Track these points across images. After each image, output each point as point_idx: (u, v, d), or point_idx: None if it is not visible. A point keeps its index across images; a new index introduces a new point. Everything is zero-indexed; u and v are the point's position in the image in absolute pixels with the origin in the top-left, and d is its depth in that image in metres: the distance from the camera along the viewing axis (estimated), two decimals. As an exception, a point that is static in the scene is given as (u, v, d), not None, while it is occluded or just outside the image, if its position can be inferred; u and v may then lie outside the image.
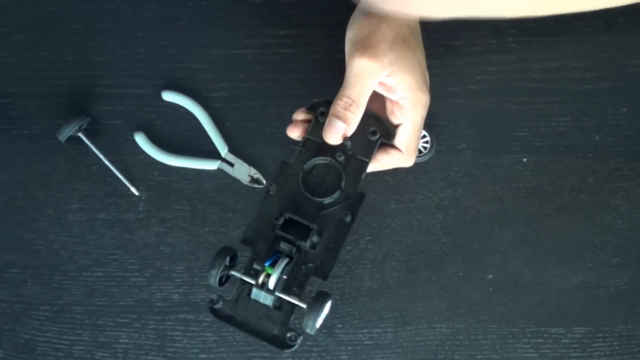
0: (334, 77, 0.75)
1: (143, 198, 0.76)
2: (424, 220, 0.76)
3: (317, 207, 0.68)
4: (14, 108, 0.78)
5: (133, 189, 0.76)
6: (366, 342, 0.74)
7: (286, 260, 0.65)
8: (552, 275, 0.75)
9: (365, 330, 0.74)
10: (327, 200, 0.68)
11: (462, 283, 0.75)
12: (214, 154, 0.77)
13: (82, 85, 0.78)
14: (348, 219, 0.68)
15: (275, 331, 0.65)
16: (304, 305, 0.64)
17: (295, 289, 0.66)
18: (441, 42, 0.78)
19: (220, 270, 0.65)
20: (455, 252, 0.75)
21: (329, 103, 0.69)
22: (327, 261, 0.67)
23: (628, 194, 0.76)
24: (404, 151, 0.70)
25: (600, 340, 0.74)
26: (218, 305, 0.66)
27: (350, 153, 0.69)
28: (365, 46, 0.67)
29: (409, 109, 0.69)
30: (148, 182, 0.77)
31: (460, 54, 0.78)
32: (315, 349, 0.74)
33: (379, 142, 0.70)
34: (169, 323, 0.74)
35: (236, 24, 0.79)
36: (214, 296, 0.66)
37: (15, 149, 0.77)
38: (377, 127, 0.69)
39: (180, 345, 0.74)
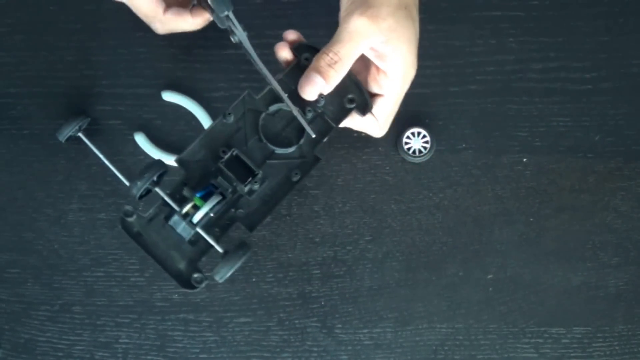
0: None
1: (143, 198, 0.76)
2: (424, 220, 0.76)
3: (266, 154, 0.64)
4: (14, 108, 0.77)
5: (133, 189, 0.76)
6: (366, 342, 0.74)
7: (219, 197, 0.61)
8: (552, 275, 0.75)
9: (365, 330, 0.74)
10: (280, 150, 0.64)
11: (462, 283, 0.75)
12: (214, 154, 0.76)
13: (82, 85, 0.78)
14: (295, 179, 0.64)
15: (181, 266, 0.61)
16: (220, 249, 0.61)
17: (216, 229, 0.62)
18: (441, 42, 0.78)
19: (147, 183, 0.60)
20: (455, 252, 0.75)
21: (315, 51, 0.64)
22: (259, 213, 0.63)
23: (628, 194, 0.76)
24: (380, 121, 0.68)
25: (600, 340, 0.74)
26: (131, 219, 0.61)
27: (320, 111, 0.65)
28: (367, 6, 0.62)
29: (397, 81, 0.65)
30: (148, 182, 0.77)
31: (460, 54, 0.78)
32: (315, 349, 0.74)
33: (352, 111, 0.66)
34: (169, 323, 0.74)
35: (236, 24, 0.79)
36: (129, 207, 0.61)
37: (15, 149, 0.77)
38: (356, 96, 0.65)
39: (180, 345, 0.74)
